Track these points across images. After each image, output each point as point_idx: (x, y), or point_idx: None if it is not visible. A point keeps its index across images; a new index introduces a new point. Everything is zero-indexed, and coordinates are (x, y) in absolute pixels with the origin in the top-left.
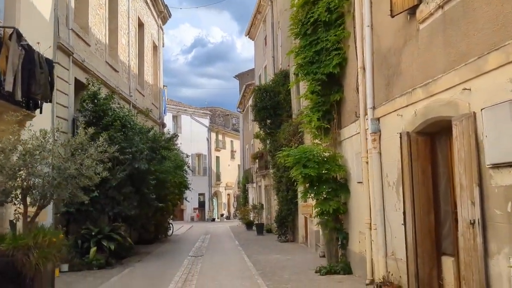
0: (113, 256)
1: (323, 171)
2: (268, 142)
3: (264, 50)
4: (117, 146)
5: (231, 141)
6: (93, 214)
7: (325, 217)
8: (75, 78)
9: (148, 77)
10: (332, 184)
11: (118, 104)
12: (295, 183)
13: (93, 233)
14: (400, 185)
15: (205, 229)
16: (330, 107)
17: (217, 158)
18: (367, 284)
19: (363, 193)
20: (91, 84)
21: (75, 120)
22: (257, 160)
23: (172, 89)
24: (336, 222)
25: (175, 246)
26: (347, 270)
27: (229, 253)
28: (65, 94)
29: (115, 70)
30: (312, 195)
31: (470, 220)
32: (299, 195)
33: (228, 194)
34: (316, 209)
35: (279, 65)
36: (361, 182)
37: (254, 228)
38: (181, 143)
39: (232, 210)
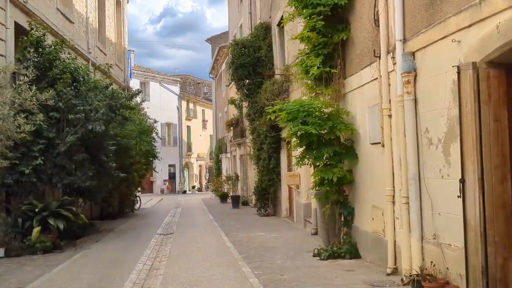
0: (66, 236)
1: (326, 130)
2: (246, 105)
3: (240, 7)
4: (51, 91)
5: (203, 110)
6: (38, 186)
7: (326, 188)
8: (15, 23)
9: (110, 34)
10: (335, 147)
11: (69, 54)
12: (279, 149)
13: (36, 210)
14: (453, 141)
15: (176, 201)
16: (333, 50)
17: (188, 127)
18: (388, 274)
19: (382, 156)
20: (34, 29)
21: (16, 74)
22: (231, 128)
23: (141, 59)
24: (339, 194)
25: (142, 221)
26: (353, 253)
27: (204, 230)
28: (1, 40)
29: (70, 21)
30: (311, 160)
31: None
32: (293, 160)
33: (200, 166)
34: (316, 178)
35: (258, 20)
36: (377, 143)
37: (228, 200)
38: (147, 109)
39: (204, 182)
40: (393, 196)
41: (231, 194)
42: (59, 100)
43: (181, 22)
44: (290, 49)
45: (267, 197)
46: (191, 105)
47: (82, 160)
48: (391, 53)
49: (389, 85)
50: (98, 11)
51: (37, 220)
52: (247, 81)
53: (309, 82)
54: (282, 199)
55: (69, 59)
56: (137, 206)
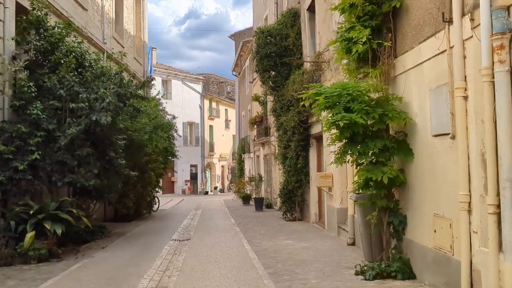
0: (69, 242)
1: (374, 119)
2: (272, 99)
3: None
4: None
5: (226, 110)
6: (36, 185)
7: (372, 191)
8: (16, 2)
9: (129, 26)
10: (386, 141)
11: (75, 37)
12: (307, 147)
13: (31, 212)
14: None
15: (196, 203)
16: (382, 22)
17: (211, 127)
18: None
19: (451, 151)
20: (36, 9)
21: (16, 57)
22: (255, 126)
23: (165, 60)
24: (389, 199)
25: (158, 224)
26: (406, 273)
27: (224, 235)
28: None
29: (83, 7)
30: (354, 156)
31: None
32: (325, 159)
33: (222, 166)
34: (359, 179)
35: (285, 8)
36: (444, 135)
37: (251, 202)
38: (168, 106)
39: (227, 182)
40: (469, 203)
41: (254, 196)
42: (60, 87)
43: (205, 23)
44: (322, 34)
45: (294, 200)
46: (213, 104)
47: (87, 156)
48: (469, 14)
49: (465, 57)
50: (115, 1)
51: (31, 223)
52: (273, 73)
53: (350, 63)
54: (311, 203)
55: (74, 43)
56: (155, 207)
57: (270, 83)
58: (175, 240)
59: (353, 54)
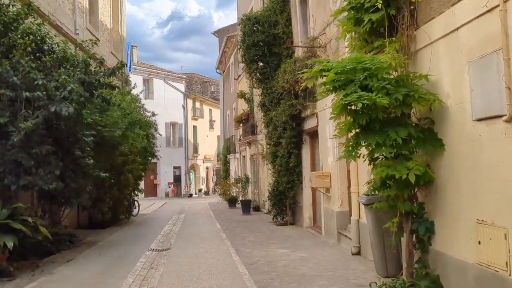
0: (29, 254)
1: (397, 102)
2: (260, 93)
3: None
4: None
5: (210, 110)
6: None
7: (393, 192)
8: None
9: (105, 19)
10: (410, 129)
11: (34, 18)
12: (300, 144)
13: None
14: None
15: (180, 206)
16: None
17: (194, 127)
18: None
19: (505, 139)
20: None
21: None
22: (241, 125)
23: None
24: (412, 202)
25: (136, 231)
26: None
27: (208, 244)
28: None
29: None
30: (371, 148)
31: None
32: (343, 152)
33: (207, 168)
34: (377, 177)
35: None
36: (492, 118)
37: (238, 205)
38: (147, 106)
39: (211, 185)
40: None
41: (241, 199)
42: (15, 74)
43: (188, 25)
44: (317, 17)
45: (285, 202)
46: (197, 104)
47: (47, 155)
48: None
49: None
50: None
51: None
52: (261, 64)
53: (359, 37)
54: (304, 206)
55: (33, 24)
56: (135, 211)
57: (258, 75)
58: (153, 250)
59: (364, 25)
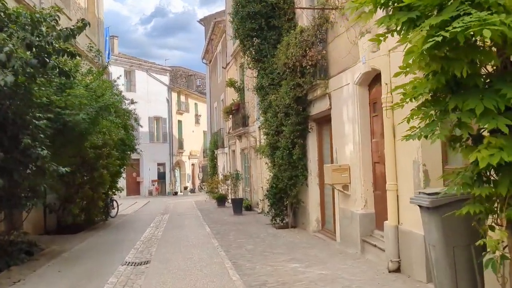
0: None
1: None
2: (256, 74)
3: None
4: None
5: (196, 104)
6: None
7: (504, 189)
8: None
9: None
10: None
11: None
12: (305, 133)
13: None
14: None
15: (164, 206)
16: None
17: (179, 122)
18: None
19: None
20: None
21: None
22: (230, 116)
23: None
24: None
25: (111, 237)
26: None
27: (198, 254)
28: None
29: None
30: (469, 118)
31: None
32: (416, 131)
33: (193, 164)
34: (485, 163)
35: None
36: None
37: (227, 204)
38: (133, 102)
39: (198, 182)
40: None
41: (231, 197)
42: None
43: (172, 22)
44: None
45: (285, 201)
46: (182, 98)
47: None
48: None
49: None
50: None
51: None
52: (257, 40)
53: None
54: (310, 205)
55: None
56: (113, 212)
57: (253, 53)
58: (128, 264)
59: None
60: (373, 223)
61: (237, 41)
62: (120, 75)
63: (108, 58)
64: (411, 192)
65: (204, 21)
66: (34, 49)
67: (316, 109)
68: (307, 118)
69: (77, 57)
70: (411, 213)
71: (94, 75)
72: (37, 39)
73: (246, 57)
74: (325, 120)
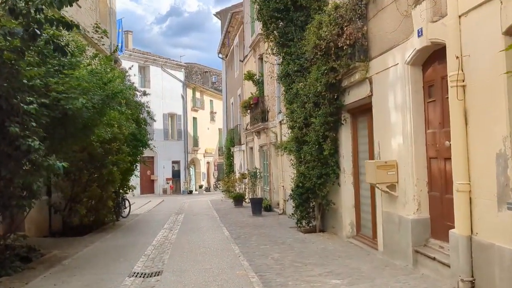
0: None
1: None
2: (280, 61)
3: None
4: None
5: (211, 101)
6: None
7: None
8: None
9: None
10: None
11: None
12: (338, 125)
13: None
14: None
15: (178, 205)
16: None
17: (194, 119)
18: None
19: None
20: None
21: None
22: (249, 111)
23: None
24: None
25: (120, 240)
26: None
27: (217, 264)
28: None
29: None
30: None
31: None
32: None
33: (208, 162)
34: None
35: None
36: None
37: (244, 204)
38: (146, 94)
39: (213, 180)
40: None
41: (249, 196)
42: None
43: (187, 21)
44: None
45: (311, 202)
46: (197, 94)
47: None
48: None
49: None
50: None
51: None
52: (282, 23)
53: None
54: (343, 207)
55: None
56: (125, 212)
57: (278, 36)
58: (137, 275)
59: None
60: (428, 230)
61: (256, 32)
62: (132, 65)
63: (121, 51)
64: (492, 194)
65: (220, 14)
66: (21, 18)
67: (352, 97)
68: (340, 108)
69: (75, 29)
70: (493, 221)
71: (102, 60)
72: (23, 4)
73: (269, 42)
74: (362, 109)
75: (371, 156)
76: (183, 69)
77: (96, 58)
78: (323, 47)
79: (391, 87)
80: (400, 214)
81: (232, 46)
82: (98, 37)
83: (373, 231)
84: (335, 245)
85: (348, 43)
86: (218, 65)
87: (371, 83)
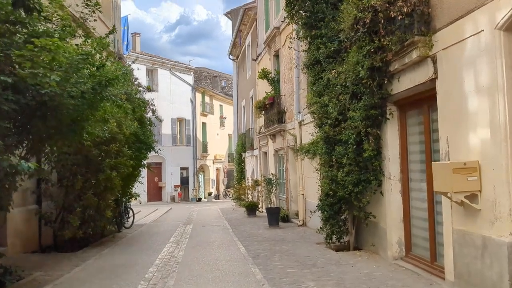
0: None
1: None
2: (306, 47)
3: None
4: None
5: (221, 106)
6: None
7: None
8: None
9: None
10: None
11: None
12: (381, 121)
13: None
14: None
15: (187, 214)
16: None
17: (203, 124)
18: None
19: None
20: None
21: None
22: (263, 112)
23: None
24: None
25: (118, 258)
26: None
27: None
28: None
29: None
30: None
31: None
32: None
33: (217, 169)
34: None
35: None
36: None
37: (258, 213)
38: (150, 90)
39: (222, 188)
40: None
41: (265, 205)
42: None
43: (196, 30)
44: None
45: (344, 214)
46: (207, 99)
47: None
48: None
49: None
50: None
51: None
52: (308, 2)
53: None
54: (389, 221)
55: None
56: (128, 222)
57: (305, 16)
58: None
59: None
60: None
61: (271, 27)
62: (136, 58)
63: (127, 50)
64: None
65: (231, 13)
66: None
67: (404, 84)
68: (386, 99)
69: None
70: None
71: (94, 41)
72: None
73: (294, 23)
74: (416, 99)
75: (428, 158)
76: (192, 73)
77: (89, 40)
78: (367, 20)
79: (469, 64)
80: (484, 235)
81: (244, 46)
82: (89, 11)
83: (431, 253)
84: (381, 269)
85: (405, 10)
86: (227, 71)
87: (435, 62)
